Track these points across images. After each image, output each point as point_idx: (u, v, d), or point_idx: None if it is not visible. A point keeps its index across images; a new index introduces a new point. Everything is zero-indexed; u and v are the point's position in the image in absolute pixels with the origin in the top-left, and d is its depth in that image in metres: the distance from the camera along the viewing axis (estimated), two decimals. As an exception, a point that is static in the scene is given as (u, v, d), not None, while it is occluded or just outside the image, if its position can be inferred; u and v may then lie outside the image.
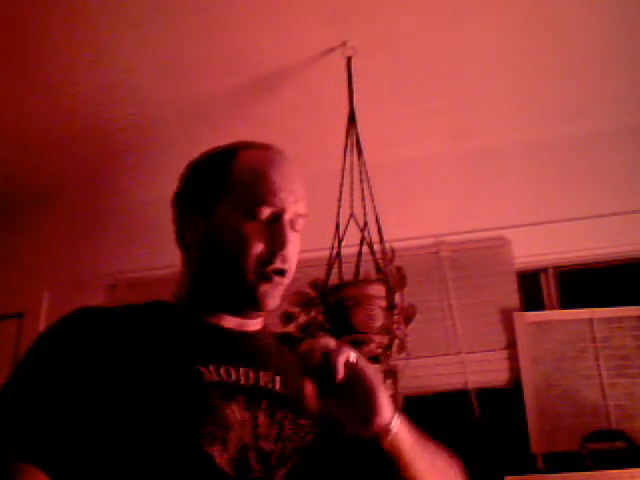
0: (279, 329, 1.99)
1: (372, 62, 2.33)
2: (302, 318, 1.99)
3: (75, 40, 2.24)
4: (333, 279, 2.05)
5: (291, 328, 2.00)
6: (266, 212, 0.94)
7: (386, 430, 0.82)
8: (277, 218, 0.95)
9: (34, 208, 3.09)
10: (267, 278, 0.94)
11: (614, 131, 2.69)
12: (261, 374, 0.92)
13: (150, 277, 2.74)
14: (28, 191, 3.02)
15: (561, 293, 2.65)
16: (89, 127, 2.66)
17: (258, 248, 0.93)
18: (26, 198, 3.04)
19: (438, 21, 2.22)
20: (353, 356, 0.81)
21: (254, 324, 1.00)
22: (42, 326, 2.81)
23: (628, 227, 2.55)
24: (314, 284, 2.01)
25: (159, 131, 2.70)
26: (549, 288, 2.67)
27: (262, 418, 0.87)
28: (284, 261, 0.95)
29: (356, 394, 0.81)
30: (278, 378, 0.94)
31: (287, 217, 0.96)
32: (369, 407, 0.81)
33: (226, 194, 0.96)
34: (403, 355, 2.01)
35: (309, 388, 0.79)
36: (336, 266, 2.08)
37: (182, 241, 1.01)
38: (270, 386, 0.92)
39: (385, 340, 1.92)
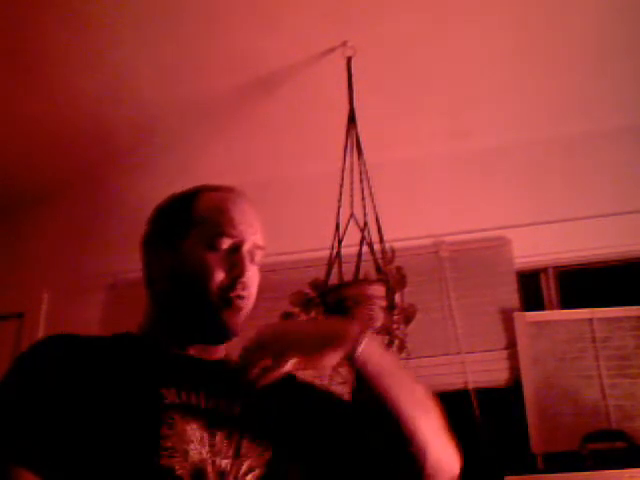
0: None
1: (372, 62, 2.33)
2: (302, 318, 1.99)
3: (75, 40, 2.24)
4: (333, 279, 2.05)
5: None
6: (226, 243, 1.01)
7: (355, 345, 0.92)
8: (236, 249, 1.02)
9: (34, 208, 3.09)
10: (228, 303, 0.99)
11: (614, 131, 2.68)
12: (221, 401, 0.98)
13: (150, 277, 2.74)
14: (28, 191, 3.02)
15: (561, 293, 2.65)
16: (89, 127, 2.66)
17: (219, 275, 0.99)
18: (26, 198, 3.04)
19: (438, 21, 2.22)
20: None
21: (216, 353, 1.05)
22: (42, 326, 2.80)
23: (628, 227, 2.55)
24: (314, 284, 2.01)
25: (159, 131, 2.70)
26: (549, 288, 2.67)
27: (220, 438, 0.93)
28: (244, 288, 1.01)
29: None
30: (237, 407, 0.99)
31: (246, 247, 1.03)
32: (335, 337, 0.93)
33: (190, 230, 1.03)
34: (403, 355, 2.00)
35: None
36: (336, 266, 2.08)
37: (149, 277, 1.07)
38: (228, 412, 0.97)
39: (385, 340, 1.92)
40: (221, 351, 1.07)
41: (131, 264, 3.23)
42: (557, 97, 2.57)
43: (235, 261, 1.01)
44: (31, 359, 0.95)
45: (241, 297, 1.00)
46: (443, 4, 2.16)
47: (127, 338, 1.04)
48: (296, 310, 1.99)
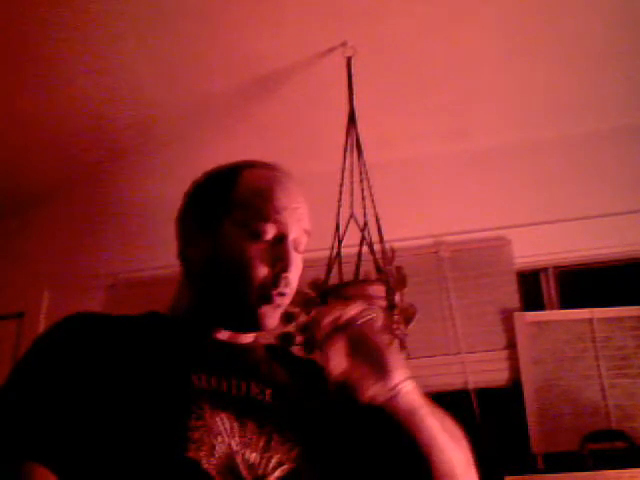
0: (278, 329, 1.99)
1: (372, 62, 2.33)
2: (302, 318, 1.99)
3: (75, 40, 2.24)
4: (333, 279, 2.05)
5: (291, 328, 2.00)
6: (270, 231, 0.94)
7: (398, 389, 0.85)
8: (281, 239, 0.95)
9: (34, 208, 3.09)
10: (268, 300, 0.94)
11: (614, 131, 2.68)
12: (252, 385, 0.94)
13: (150, 277, 2.75)
14: (28, 191, 3.02)
15: (561, 293, 2.65)
16: (89, 127, 2.65)
17: (262, 271, 0.93)
18: (26, 198, 3.04)
19: (438, 21, 2.22)
20: (346, 316, 0.85)
21: (247, 336, 1.01)
22: (42, 326, 2.81)
23: (628, 227, 2.55)
24: (314, 284, 2.01)
25: (159, 131, 2.70)
26: (549, 288, 2.67)
27: (251, 428, 0.88)
28: (287, 284, 0.94)
29: (362, 354, 0.84)
30: (268, 390, 0.95)
31: (291, 237, 0.95)
32: (378, 366, 0.85)
33: (230, 214, 0.95)
34: (403, 355, 2.00)
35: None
36: (336, 266, 2.08)
37: (185, 257, 1.01)
38: (260, 397, 0.93)
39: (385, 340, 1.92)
40: (251, 335, 1.02)
41: (131, 264, 3.24)
42: (557, 97, 2.57)
43: (279, 254, 0.93)
44: (50, 341, 0.89)
45: (283, 294, 0.95)
46: (443, 4, 2.15)
47: (155, 318, 0.98)
48: (296, 310, 1.99)
